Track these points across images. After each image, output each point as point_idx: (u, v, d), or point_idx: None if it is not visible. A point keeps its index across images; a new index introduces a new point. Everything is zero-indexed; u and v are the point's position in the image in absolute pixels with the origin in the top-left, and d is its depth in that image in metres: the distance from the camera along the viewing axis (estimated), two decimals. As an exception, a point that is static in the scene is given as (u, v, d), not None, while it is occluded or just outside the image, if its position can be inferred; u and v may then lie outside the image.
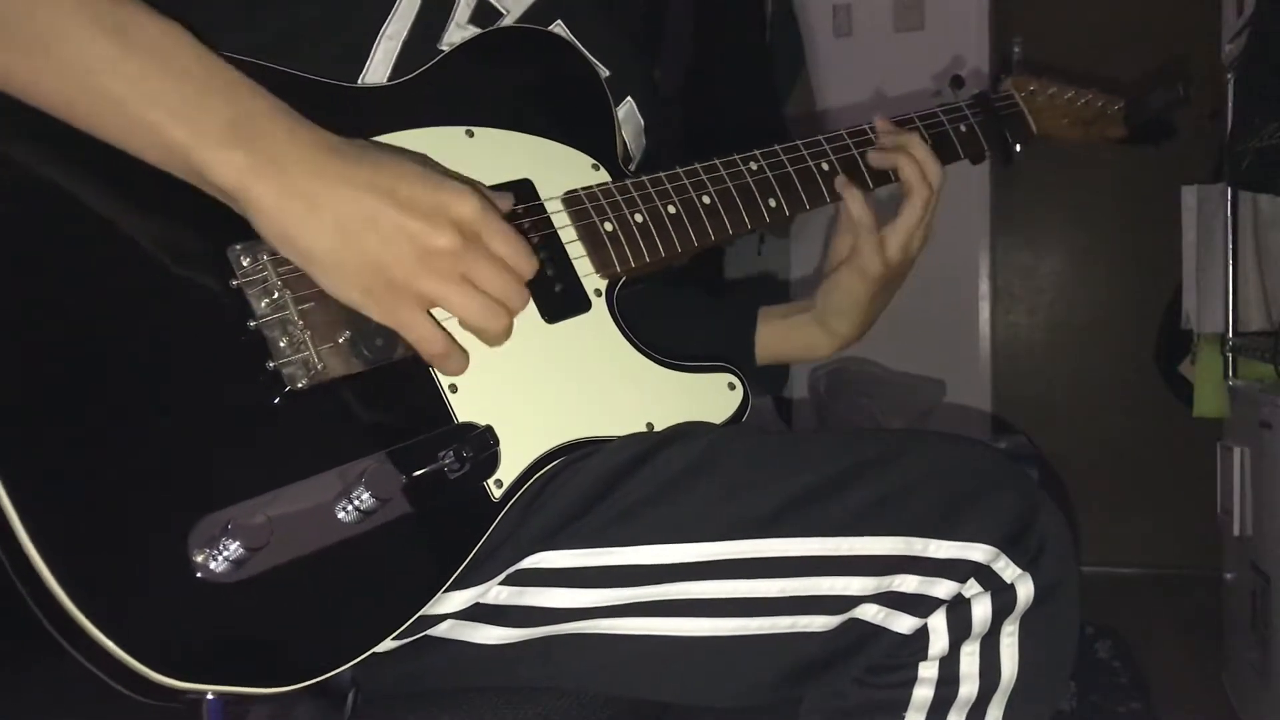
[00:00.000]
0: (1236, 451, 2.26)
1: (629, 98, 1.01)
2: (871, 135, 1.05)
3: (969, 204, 3.40)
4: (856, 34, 3.56)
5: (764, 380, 1.13)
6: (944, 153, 1.09)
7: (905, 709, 0.80)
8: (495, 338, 0.76)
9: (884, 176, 1.05)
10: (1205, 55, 2.72)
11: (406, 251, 0.70)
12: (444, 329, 0.74)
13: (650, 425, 0.86)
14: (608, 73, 0.96)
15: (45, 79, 0.67)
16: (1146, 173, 3.39)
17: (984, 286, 3.56)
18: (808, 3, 3.51)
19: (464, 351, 0.76)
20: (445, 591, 0.75)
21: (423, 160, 0.76)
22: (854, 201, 1.01)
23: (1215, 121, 2.50)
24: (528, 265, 0.76)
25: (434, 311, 0.74)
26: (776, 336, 1.11)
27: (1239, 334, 2.37)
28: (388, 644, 0.73)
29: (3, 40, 0.66)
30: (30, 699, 0.68)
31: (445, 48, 0.88)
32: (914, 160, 1.02)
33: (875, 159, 1.04)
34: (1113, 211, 3.56)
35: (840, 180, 1.02)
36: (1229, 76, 2.34)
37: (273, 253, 0.71)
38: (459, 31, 0.90)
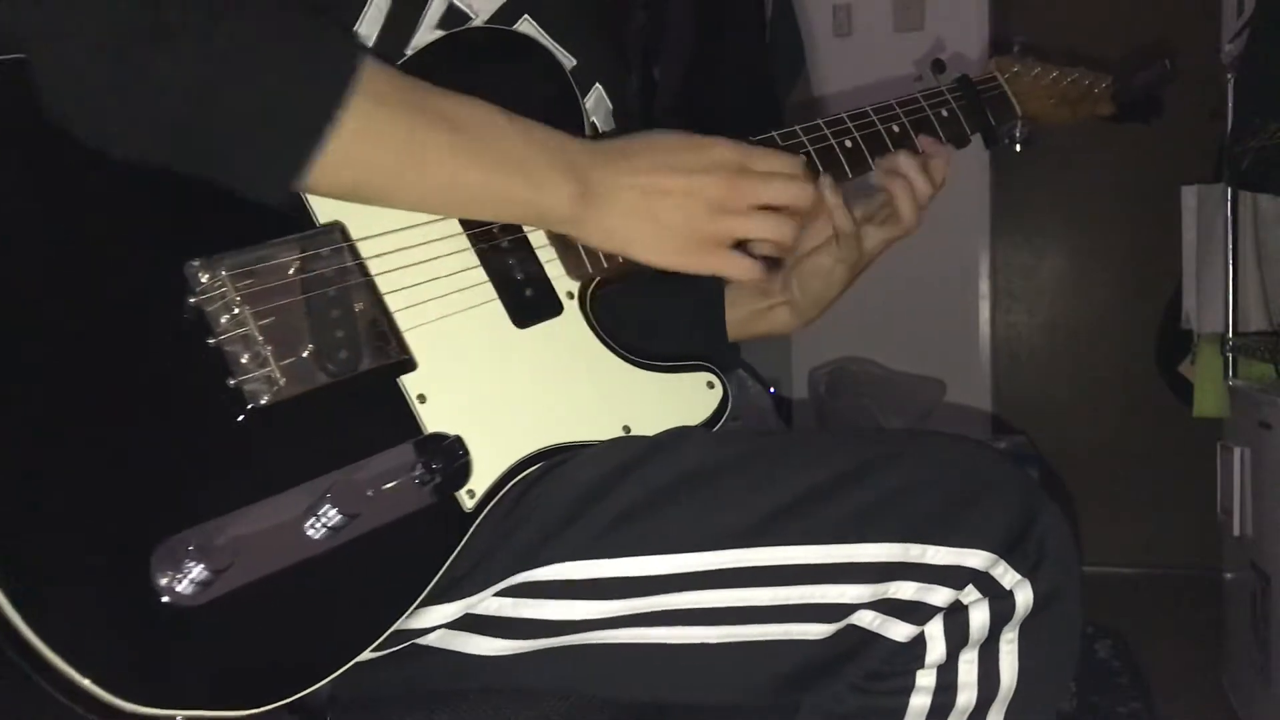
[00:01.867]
0: (1236, 451, 2.26)
1: (597, 84, 1.00)
2: (849, 125, 1.03)
3: (969, 204, 3.39)
4: (856, 34, 3.55)
5: (727, 360, 1.12)
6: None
7: (902, 717, 0.80)
8: (792, 243, 0.88)
9: (863, 166, 1.03)
10: (1205, 55, 2.71)
11: (698, 207, 0.83)
12: (755, 258, 0.86)
13: (627, 428, 0.85)
14: (574, 62, 0.95)
15: (409, 194, 0.77)
16: (1146, 173, 3.39)
17: (984, 286, 3.55)
18: (808, 3, 3.50)
19: (776, 262, 0.91)
20: (430, 604, 0.75)
21: (667, 131, 0.86)
22: (837, 209, 0.98)
23: (1215, 121, 2.49)
24: (794, 166, 0.89)
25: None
26: (746, 321, 1.11)
27: (1239, 334, 2.36)
28: (377, 653, 0.73)
29: (385, 168, 0.74)
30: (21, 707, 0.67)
31: (410, 51, 0.88)
32: (908, 187, 1.01)
33: (876, 178, 1.03)
34: (1113, 211, 3.55)
35: (825, 181, 0.98)
36: (1229, 76, 2.33)
37: (231, 268, 0.70)
38: (428, 34, 0.89)
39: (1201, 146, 2.87)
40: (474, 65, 0.88)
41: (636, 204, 0.82)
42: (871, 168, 1.04)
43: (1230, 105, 2.31)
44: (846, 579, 0.77)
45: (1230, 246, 2.39)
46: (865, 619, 0.78)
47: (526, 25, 0.94)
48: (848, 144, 1.03)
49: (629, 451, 0.82)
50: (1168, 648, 2.75)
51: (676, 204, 0.82)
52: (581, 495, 0.79)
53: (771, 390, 3.03)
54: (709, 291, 1.11)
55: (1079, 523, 3.24)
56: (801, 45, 3.41)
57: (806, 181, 0.89)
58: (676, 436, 0.85)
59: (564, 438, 0.82)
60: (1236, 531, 2.25)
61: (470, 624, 0.80)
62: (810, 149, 1.01)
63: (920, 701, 0.79)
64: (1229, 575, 2.43)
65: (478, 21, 0.91)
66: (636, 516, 0.78)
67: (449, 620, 0.78)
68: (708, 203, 0.83)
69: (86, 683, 0.59)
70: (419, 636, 0.79)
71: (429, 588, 0.74)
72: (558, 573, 0.78)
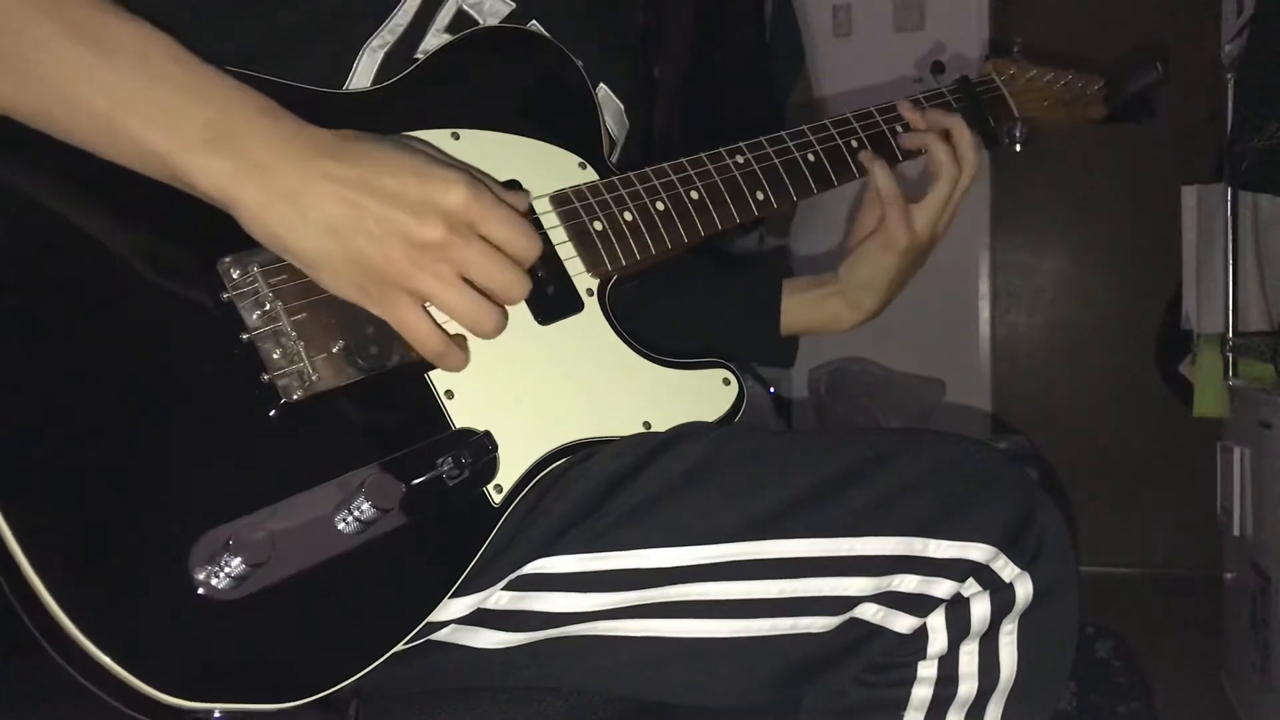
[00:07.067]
0: (1236, 451, 2.26)
1: (602, 83, 1.01)
2: (854, 125, 1.06)
3: (969, 204, 3.38)
4: (856, 34, 3.56)
5: (781, 353, 1.15)
6: None
7: (904, 708, 0.80)
8: (488, 334, 0.75)
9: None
10: (1205, 55, 2.72)
11: (396, 248, 0.69)
12: (441, 327, 0.73)
13: (647, 424, 0.86)
14: (580, 63, 0.96)
15: (22, 92, 0.66)
16: (1146, 173, 3.39)
17: (984, 286, 3.56)
18: (808, 3, 3.51)
19: (464, 348, 0.76)
20: (448, 598, 0.75)
21: (411, 149, 0.74)
22: (881, 175, 1.04)
23: (1215, 121, 2.50)
24: (527, 247, 0.74)
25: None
26: (800, 309, 1.12)
27: (1239, 334, 2.37)
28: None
29: None
30: (21, 705, 0.67)
31: (420, 55, 0.88)
32: (947, 142, 1.05)
33: (908, 140, 1.07)
34: (1113, 211, 3.55)
35: (866, 154, 1.05)
36: (1229, 76, 2.33)
37: (263, 264, 0.71)
38: (435, 39, 0.89)
39: (1201, 146, 2.87)
40: (490, 65, 0.89)
41: (327, 218, 0.68)
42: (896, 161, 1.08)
43: (1230, 105, 2.31)
44: (851, 572, 0.78)
45: (1230, 246, 2.39)
46: (868, 612, 0.79)
47: (535, 29, 0.95)
48: (853, 143, 1.05)
49: (645, 447, 0.82)
50: (1168, 648, 2.76)
51: (374, 237, 0.68)
52: (597, 490, 0.80)
53: (771, 390, 3.03)
54: (765, 285, 1.13)
55: (1079, 523, 3.25)
56: (801, 45, 3.41)
57: (523, 278, 0.74)
58: (686, 432, 0.85)
59: (587, 433, 0.83)
60: (1236, 531, 2.26)
61: (479, 619, 0.80)
62: (818, 149, 1.03)
63: (922, 692, 0.80)
64: (1229, 575, 2.43)
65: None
66: (646, 510, 0.79)
67: (460, 616, 0.79)
68: (412, 248, 0.69)
69: (126, 674, 0.60)
70: (433, 632, 0.79)
71: (459, 581, 0.75)
72: (563, 565, 0.79)
